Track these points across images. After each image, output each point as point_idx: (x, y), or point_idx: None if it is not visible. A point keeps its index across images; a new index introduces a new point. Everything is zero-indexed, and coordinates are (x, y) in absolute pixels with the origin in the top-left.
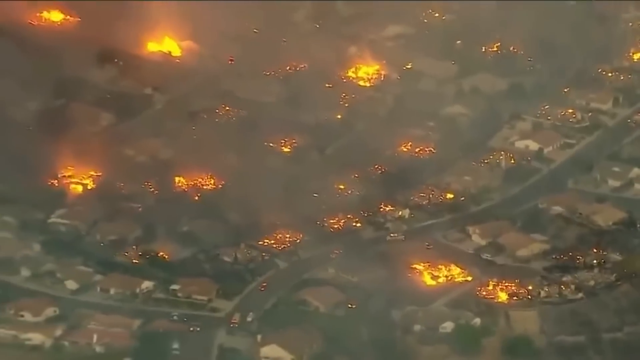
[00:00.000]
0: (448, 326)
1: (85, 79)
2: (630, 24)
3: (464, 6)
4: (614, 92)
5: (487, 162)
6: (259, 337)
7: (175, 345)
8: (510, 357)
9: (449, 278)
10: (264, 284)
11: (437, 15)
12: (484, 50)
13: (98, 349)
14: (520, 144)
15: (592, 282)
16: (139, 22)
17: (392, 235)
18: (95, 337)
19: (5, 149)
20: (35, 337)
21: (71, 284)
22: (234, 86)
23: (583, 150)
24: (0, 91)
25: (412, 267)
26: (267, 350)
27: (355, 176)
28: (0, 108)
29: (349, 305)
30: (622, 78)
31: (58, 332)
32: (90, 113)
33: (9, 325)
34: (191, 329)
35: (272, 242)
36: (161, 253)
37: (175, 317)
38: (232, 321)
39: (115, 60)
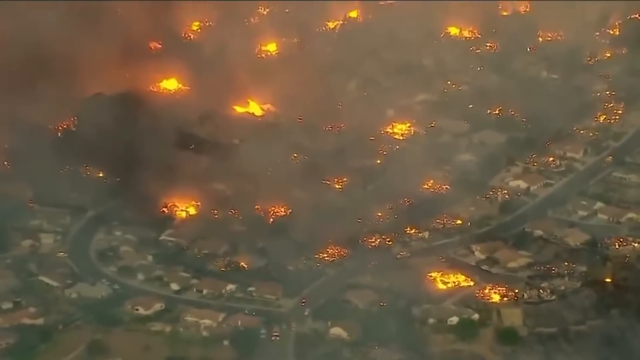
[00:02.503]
0: (454, 320)
1: (190, 133)
2: (598, 94)
3: (474, 79)
4: (584, 145)
5: (487, 197)
6: (329, 322)
7: (263, 331)
8: (501, 344)
9: (456, 283)
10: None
11: (454, 86)
12: (489, 112)
13: (204, 333)
14: (513, 184)
15: (563, 288)
16: (232, 90)
17: (401, 253)
18: (202, 325)
19: (130, 185)
20: (158, 325)
21: (174, 286)
22: (301, 138)
23: (560, 189)
24: (127, 141)
25: (428, 275)
26: (333, 331)
27: (389, 207)
28: (128, 154)
29: (381, 304)
30: (590, 134)
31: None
32: (193, 158)
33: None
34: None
35: (325, 255)
36: (242, 263)
37: (246, 312)
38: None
39: (213, 119)
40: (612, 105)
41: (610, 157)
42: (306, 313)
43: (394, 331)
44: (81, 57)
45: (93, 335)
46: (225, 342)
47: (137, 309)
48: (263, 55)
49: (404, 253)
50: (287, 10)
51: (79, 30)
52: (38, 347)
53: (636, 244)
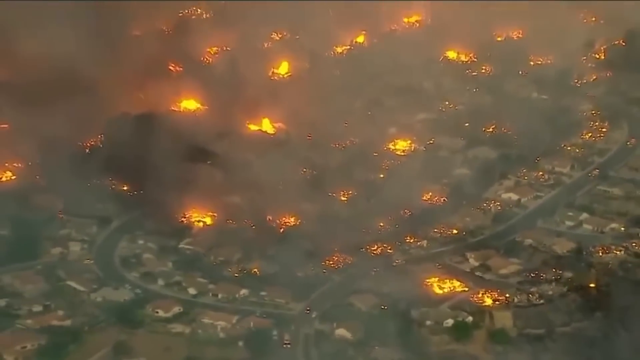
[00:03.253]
0: (450, 322)
1: (207, 149)
2: (584, 113)
3: (470, 100)
4: (571, 160)
5: (481, 208)
6: (335, 324)
7: (275, 332)
8: (492, 344)
9: (452, 288)
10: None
11: (451, 106)
12: (483, 130)
13: (221, 335)
14: (505, 196)
15: (550, 292)
16: (247, 109)
17: (397, 261)
18: (218, 327)
19: (152, 197)
20: (177, 326)
21: (192, 290)
22: (309, 154)
23: (548, 201)
24: (149, 157)
25: (426, 281)
26: (338, 331)
27: (390, 217)
28: (150, 168)
29: (382, 307)
30: (577, 150)
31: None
32: (210, 172)
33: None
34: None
35: (331, 262)
36: (254, 269)
37: (257, 314)
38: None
39: (229, 136)
40: (597, 123)
41: (597, 170)
42: (313, 315)
43: (394, 332)
44: (107, 78)
45: (118, 336)
46: (240, 343)
47: (157, 312)
48: (275, 77)
49: (399, 261)
50: (297, 37)
51: (104, 52)
52: (67, 347)
53: (618, 252)
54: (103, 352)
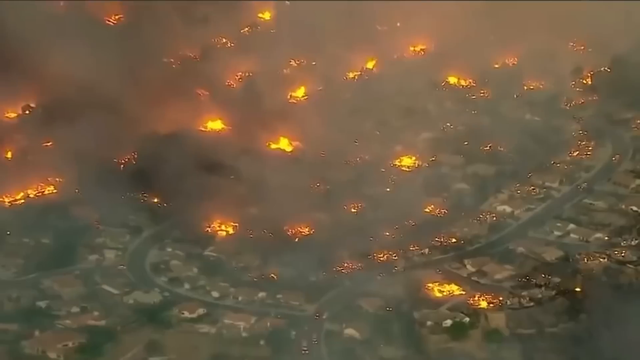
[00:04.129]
0: (448, 322)
1: (231, 165)
2: (573, 133)
3: (469, 121)
4: (560, 176)
5: (478, 219)
6: (344, 324)
7: (293, 332)
8: (487, 343)
9: (450, 292)
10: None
11: (452, 126)
12: (481, 148)
13: (244, 334)
14: (500, 208)
15: (540, 296)
16: (267, 129)
17: (395, 268)
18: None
19: (180, 209)
20: (204, 327)
21: (215, 293)
22: (323, 170)
23: (539, 213)
24: (178, 173)
25: (427, 285)
26: (347, 331)
27: (396, 228)
28: (179, 183)
29: (387, 309)
30: (565, 167)
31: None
32: (233, 186)
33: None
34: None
35: (341, 268)
36: (272, 274)
37: (272, 315)
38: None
39: (250, 153)
40: (584, 143)
41: (585, 183)
42: (324, 317)
43: (398, 332)
44: (140, 101)
45: (150, 335)
46: (262, 342)
47: (183, 313)
48: (293, 100)
49: (398, 268)
50: (314, 63)
51: (137, 78)
52: (104, 345)
53: (602, 260)
54: (136, 350)
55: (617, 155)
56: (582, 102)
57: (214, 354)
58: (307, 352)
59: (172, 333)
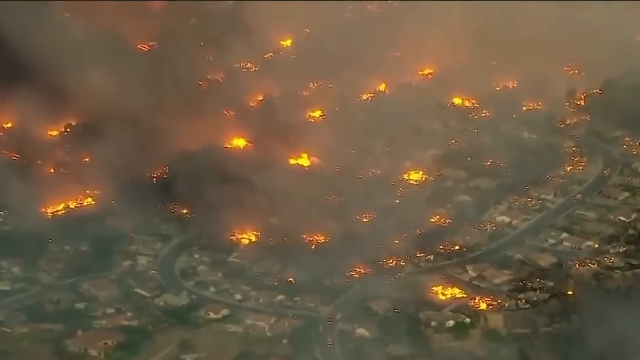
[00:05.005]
0: (451, 323)
1: (253, 179)
2: (567, 150)
3: (472, 139)
4: (554, 189)
5: (479, 229)
6: (355, 324)
7: (313, 331)
8: (486, 342)
9: (453, 295)
10: (330, 320)
11: (456, 143)
12: (483, 164)
13: (268, 334)
14: (499, 218)
15: (535, 298)
16: (287, 146)
17: (399, 274)
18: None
19: (207, 219)
20: (232, 326)
21: (237, 296)
22: (338, 183)
23: (535, 222)
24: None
25: (432, 289)
26: (358, 331)
27: (404, 236)
28: (206, 195)
29: (395, 310)
30: (560, 181)
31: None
32: (255, 198)
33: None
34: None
35: (353, 273)
36: (290, 279)
37: (290, 316)
38: (329, 320)
39: (272, 168)
40: (577, 159)
41: (580, 194)
42: (338, 317)
43: (405, 331)
44: (171, 120)
45: (182, 335)
46: (285, 341)
47: (209, 314)
48: (311, 119)
49: (401, 274)
50: (330, 86)
51: (168, 99)
52: (140, 344)
53: (592, 265)
54: (170, 348)
55: (609, 169)
56: (576, 122)
57: (241, 352)
58: (331, 345)
59: (202, 332)
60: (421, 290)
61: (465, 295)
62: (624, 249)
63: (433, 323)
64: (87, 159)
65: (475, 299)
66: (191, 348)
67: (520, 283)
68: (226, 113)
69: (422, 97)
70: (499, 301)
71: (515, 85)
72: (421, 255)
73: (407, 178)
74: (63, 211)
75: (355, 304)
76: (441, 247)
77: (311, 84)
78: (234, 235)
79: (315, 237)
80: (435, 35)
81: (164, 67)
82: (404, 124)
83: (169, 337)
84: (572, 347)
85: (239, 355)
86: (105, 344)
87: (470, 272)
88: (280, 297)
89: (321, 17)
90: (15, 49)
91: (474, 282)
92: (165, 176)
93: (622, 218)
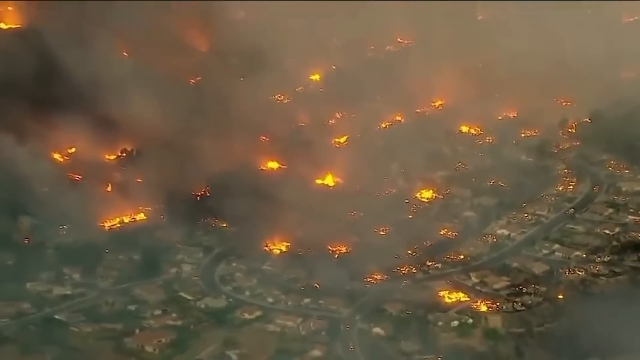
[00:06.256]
0: (456, 323)
1: (285, 197)
2: (559, 171)
3: (477, 162)
4: (548, 206)
5: (482, 240)
6: (372, 324)
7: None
8: (486, 339)
9: (458, 298)
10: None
11: (463, 166)
12: (486, 183)
13: (302, 332)
14: (499, 231)
15: (529, 302)
16: (315, 168)
17: (405, 282)
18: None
19: (243, 232)
20: (269, 325)
21: (269, 299)
22: (359, 202)
23: (530, 235)
24: (243, 203)
25: (439, 293)
26: (375, 330)
27: (415, 247)
28: (244, 211)
29: (407, 312)
30: (553, 198)
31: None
32: (286, 213)
33: (238, 320)
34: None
35: (370, 279)
36: (315, 284)
37: (315, 316)
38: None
39: (301, 188)
40: (568, 179)
41: (572, 209)
42: (357, 318)
43: (416, 330)
44: (213, 145)
45: (225, 333)
46: (317, 339)
47: (244, 315)
48: (336, 145)
49: (407, 282)
50: (354, 115)
51: (211, 125)
52: (189, 341)
53: (580, 273)
54: (215, 345)
55: (596, 187)
56: (567, 147)
57: (279, 348)
58: (352, 349)
59: (243, 331)
60: (430, 294)
61: (468, 299)
62: (608, 258)
63: (440, 323)
64: (140, 180)
65: (477, 302)
66: (234, 345)
67: (517, 288)
68: (262, 139)
69: (433, 125)
70: (498, 304)
71: (514, 115)
72: (430, 263)
73: (419, 196)
74: (118, 225)
75: (372, 306)
76: (448, 256)
77: (337, 113)
78: (267, 246)
79: (338, 247)
80: (445, 72)
81: (209, 99)
82: (417, 148)
83: (214, 336)
84: (561, 344)
85: (276, 351)
86: (159, 341)
87: (473, 278)
88: (306, 300)
89: (346, 55)
90: (79, 84)
91: (476, 287)
92: (208, 194)
93: (607, 231)
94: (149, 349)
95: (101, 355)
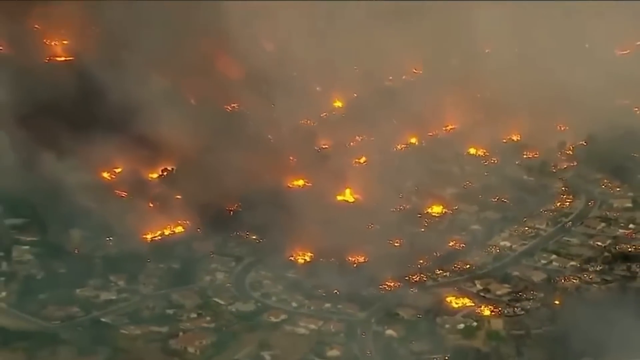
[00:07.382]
0: (461, 326)
1: (309, 212)
2: (557, 189)
3: (483, 180)
4: (546, 220)
5: (486, 251)
6: (385, 326)
7: (358, 331)
8: (489, 341)
9: (463, 304)
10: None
11: (470, 184)
12: (491, 200)
13: (329, 335)
14: (502, 243)
15: (528, 307)
16: (337, 185)
17: (411, 290)
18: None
19: (272, 243)
20: (300, 329)
21: (294, 304)
22: (375, 216)
23: (530, 247)
24: (272, 218)
25: (447, 298)
26: (388, 332)
27: (426, 257)
28: (272, 225)
29: (418, 316)
30: (551, 214)
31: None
32: (310, 226)
33: (266, 323)
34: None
35: (385, 286)
36: (335, 290)
37: (334, 319)
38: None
39: (322, 203)
40: (565, 196)
41: (570, 222)
42: (372, 320)
43: (425, 332)
44: (247, 167)
45: (260, 336)
46: (338, 340)
47: (270, 318)
48: (356, 165)
49: (413, 289)
50: (372, 138)
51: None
52: (227, 343)
53: (575, 281)
54: (251, 347)
55: (590, 203)
56: (565, 167)
57: (309, 349)
58: (370, 355)
59: (276, 334)
60: (438, 300)
61: (473, 304)
62: (600, 268)
63: (447, 326)
64: (179, 196)
65: (481, 306)
66: (268, 347)
67: (517, 294)
68: (289, 159)
69: (444, 147)
70: (500, 309)
71: (517, 139)
72: (439, 272)
73: (430, 211)
74: (159, 237)
75: (386, 311)
76: (456, 265)
77: (357, 137)
78: (292, 256)
79: (356, 257)
80: (455, 99)
81: (242, 123)
82: (429, 168)
83: (249, 338)
84: (557, 345)
85: (307, 351)
86: (201, 342)
87: (478, 285)
88: (327, 304)
89: (366, 84)
90: (124, 110)
91: (480, 294)
92: (240, 209)
93: (599, 243)
94: (191, 350)
95: (149, 356)
